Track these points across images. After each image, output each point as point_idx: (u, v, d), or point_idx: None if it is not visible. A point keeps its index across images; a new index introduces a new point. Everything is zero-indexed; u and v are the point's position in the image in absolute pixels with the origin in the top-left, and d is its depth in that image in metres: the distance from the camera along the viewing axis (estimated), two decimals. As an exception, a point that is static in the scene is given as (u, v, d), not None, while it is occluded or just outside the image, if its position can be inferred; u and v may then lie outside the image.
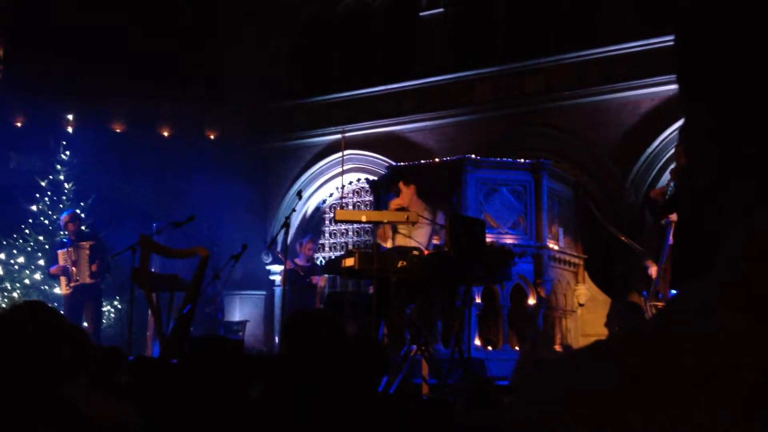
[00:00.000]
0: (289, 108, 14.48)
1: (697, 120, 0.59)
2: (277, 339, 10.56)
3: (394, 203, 6.92)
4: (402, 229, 6.70)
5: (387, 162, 12.59)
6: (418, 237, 6.72)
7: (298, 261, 9.86)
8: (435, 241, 7.08)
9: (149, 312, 7.32)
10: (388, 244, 6.67)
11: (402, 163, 10.09)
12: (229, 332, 10.99)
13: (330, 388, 2.58)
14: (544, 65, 12.01)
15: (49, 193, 12.39)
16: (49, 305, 2.09)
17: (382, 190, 9.41)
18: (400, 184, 6.91)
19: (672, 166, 10.80)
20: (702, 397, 0.50)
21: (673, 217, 6.99)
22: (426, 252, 6.37)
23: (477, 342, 8.35)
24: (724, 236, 0.57)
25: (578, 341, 9.57)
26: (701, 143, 0.59)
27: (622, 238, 9.87)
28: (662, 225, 8.10)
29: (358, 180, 13.86)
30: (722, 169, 0.57)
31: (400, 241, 6.71)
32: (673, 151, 10.70)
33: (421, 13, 13.41)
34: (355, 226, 13.77)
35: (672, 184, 6.33)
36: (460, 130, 12.66)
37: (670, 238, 7.84)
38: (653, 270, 8.10)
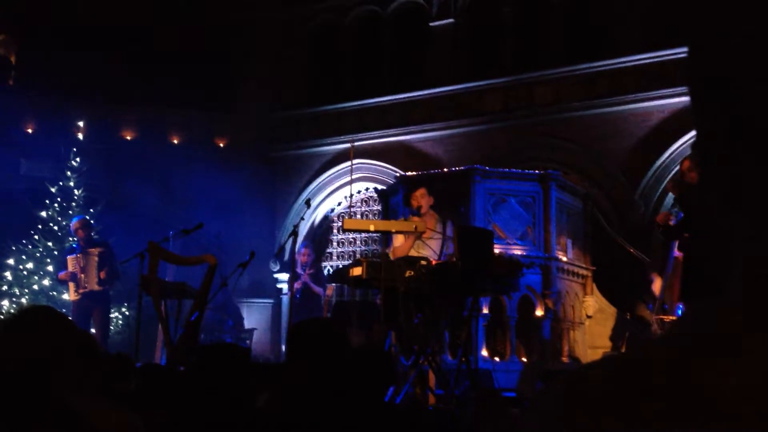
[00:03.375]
0: (298, 117, 14.52)
1: (710, 135, 0.59)
2: (284, 347, 10.55)
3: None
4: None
5: (396, 171, 12.59)
6: (430, 248, 6.70)
7: (304, 275, 9.82)
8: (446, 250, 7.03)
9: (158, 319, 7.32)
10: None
11: (411, 173, 10.09)
12: (237, 340, 10.99)
13: (336, 397, 2.57)
14: (553, 76, 12.01)
15: (58, 199, 12.44)
16: (59, 310, 2.09)
17: (392, 199, 9.39)
18: (424, 191, 6.86)
19: (670, 176, 10.77)
20: (717, 416, 0.50)
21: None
22: (434, 262, 6.36)
23: (484, 353, 8.33)
24: (739, 254, 0.56)
25: (586, 353, 9.53)
26: (714, 159, 0.59)
27: (631, 250, 9.84)
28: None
29: (367, 189, 13.87)
30: (735, 185, 0.57)
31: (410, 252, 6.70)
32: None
33: (431, 24, 13.44)
34: (363, 235, 13.77)
35: (675, 209, 6.34)
36: (469, 141, 12.66)
37: (675, 251, 7.82)
38: (657, 284, 8.06)
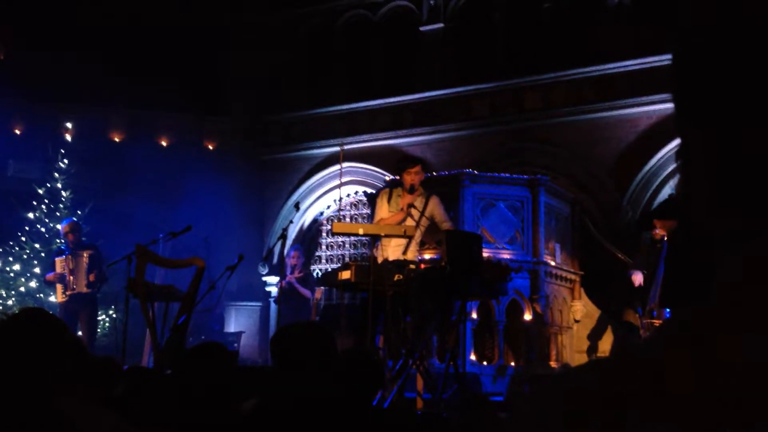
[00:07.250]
0: (288, 120, 14.51)
1: (694, 143, 0.60)
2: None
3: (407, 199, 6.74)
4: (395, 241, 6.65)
5: (385, 175, 12.60)
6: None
7: (290, 276, 9.77)
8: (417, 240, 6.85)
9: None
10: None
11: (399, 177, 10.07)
12: (225, 343, 10.95)
13: (323, 401, 2.57)
14: (542, 82, 12.05)
15: (46, 201, 12.37)
16: (51, 313, 2.08)
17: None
18: (419, 168, 6.80)
19: (658, 180, 10.86)
20: (698, 422, 0.50)
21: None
22: (422, 266, 6.36)
23: (472, 357, 8.33)
24: (721, 260, 0.57)
25: (573, 358, 9.55)
26: (697, 166, 0.59)
27: (619, 255, 9.88)
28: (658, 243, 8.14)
29: (356, 192, 13.87)
30: (719, 193, 0.57)
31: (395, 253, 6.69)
32: (671, 168, 10.74)
33: (421, 28, 13.47)
34: (352, 238, 13.76)
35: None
36: (458, 145, 12.68)
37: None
38: (637, 277, 8.09)
